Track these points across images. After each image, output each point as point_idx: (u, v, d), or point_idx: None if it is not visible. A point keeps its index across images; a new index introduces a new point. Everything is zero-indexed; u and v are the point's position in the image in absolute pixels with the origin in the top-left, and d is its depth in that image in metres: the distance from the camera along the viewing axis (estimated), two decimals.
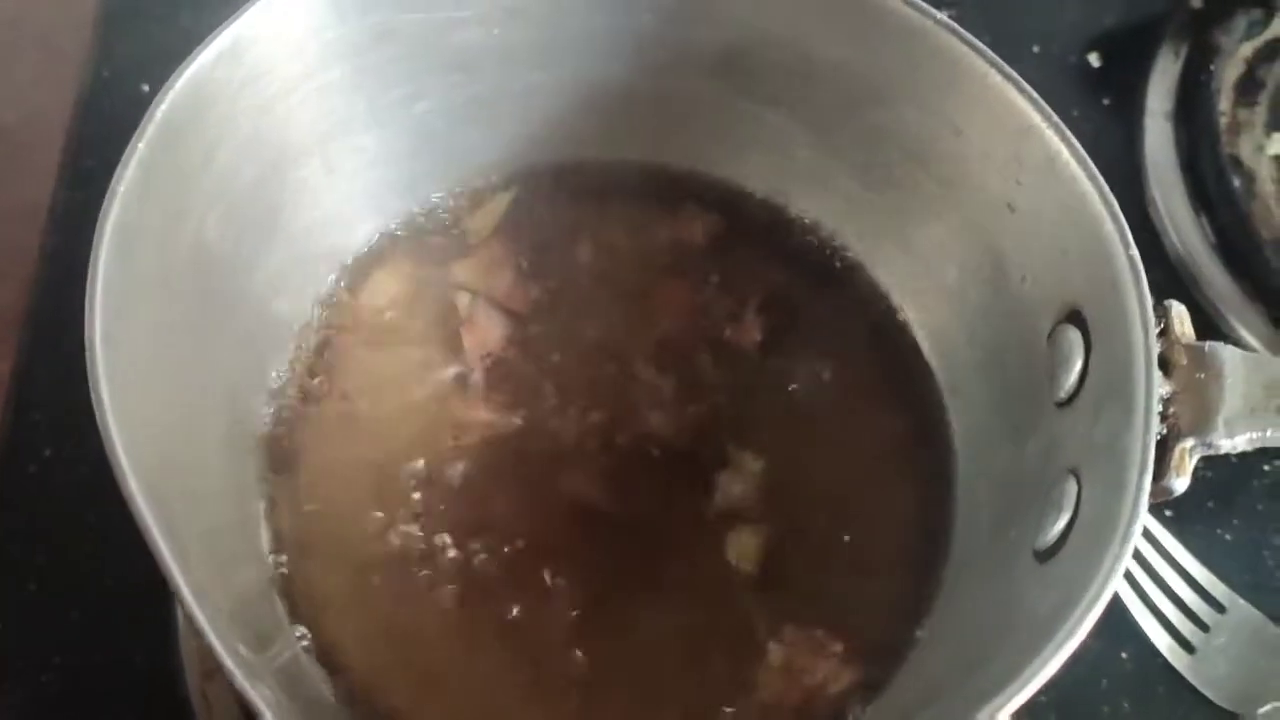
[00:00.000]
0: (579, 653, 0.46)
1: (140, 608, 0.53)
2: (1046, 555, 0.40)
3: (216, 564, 0.41)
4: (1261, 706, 0.53)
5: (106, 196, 0.38)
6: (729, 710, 0.45)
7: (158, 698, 0.52)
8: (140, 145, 0.39)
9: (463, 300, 0.51)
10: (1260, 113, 0.65)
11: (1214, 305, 0.61)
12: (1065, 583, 0.36)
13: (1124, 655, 0.55)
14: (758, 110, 0.50)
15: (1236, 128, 0.65)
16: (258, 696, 0.33)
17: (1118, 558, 0.35)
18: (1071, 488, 0.40)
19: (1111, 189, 0.41)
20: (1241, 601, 0.55)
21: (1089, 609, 0.34)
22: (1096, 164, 0.42)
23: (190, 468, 0.42)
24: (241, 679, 0.33)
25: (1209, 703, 0.54)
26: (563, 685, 0.45)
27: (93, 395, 0.36)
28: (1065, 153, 0.41)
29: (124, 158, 0.39)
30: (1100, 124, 0.66)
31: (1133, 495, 0.36)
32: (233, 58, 0.41)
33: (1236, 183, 0.63)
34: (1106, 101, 0.67)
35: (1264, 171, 0.64)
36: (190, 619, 0.33)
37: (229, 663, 0.33)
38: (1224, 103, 0.65)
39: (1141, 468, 0.36)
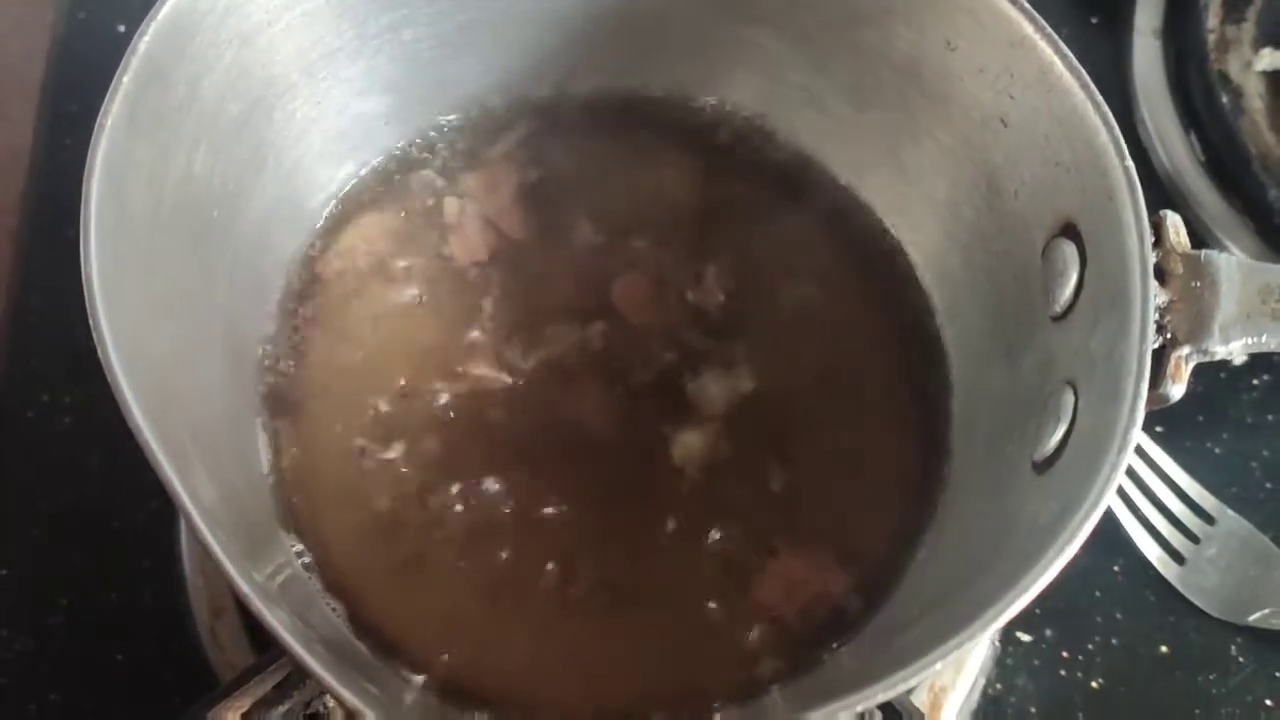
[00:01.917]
0: (579, 569, 0.46)
1: (146, 548, 0.54)
2: (1045, 466, 0.40)
3: (220, 491, 0.41)
4: (1251, 614, 0.54)
5: (95, 131, 0.38)
6: (725, 616, 0.45)
7: (167, 637, 0.52)
8: (125, 79, 0.38)
9: (453, 207, 0.51)
10: (1248, 28, 0.65)
11: (1203, 222, 0.61)
12: (1064, 491, 0.37)
13: (1116, 568, 0.56)
14: (747, 32, 0.50)
15: (1224, 44, 0.64)
16: (274, 619, 0.33)
17: (1115, 465, 0.35)
18: (1069, 399, 0.40)
19: None
20: (1230, 513, 0.56)
21: (1088, 514, 0.35)
22: None
23: (192, 399, 0.42)
24: (258, 602, 0.33)
25: (1200, 612, 0.55)
26: (565, 600, 0.46)
27: (94, 330, 0.36)
28: (1058, 64, 0.41)
29: (109, 92, 0.38)
30: (1088, 42, 0.65)
31: (1130, 403, 0.36)
32: None
33: (1225, 99, 0.62)
34: (1094, 20, 0.66)
35: (1252, 88, 0.64)
36: (205, 547, 0.33)
37: (244, 587, 0.33)
38: (1212, 19, 0.64)
39: (1138, 376, 0.36)
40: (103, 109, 0.38)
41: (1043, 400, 0.41)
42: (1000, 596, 0.34)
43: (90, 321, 0.36)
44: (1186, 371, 0.38)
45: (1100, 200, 0.40)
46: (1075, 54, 0.42)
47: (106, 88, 0.39)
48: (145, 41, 0.39)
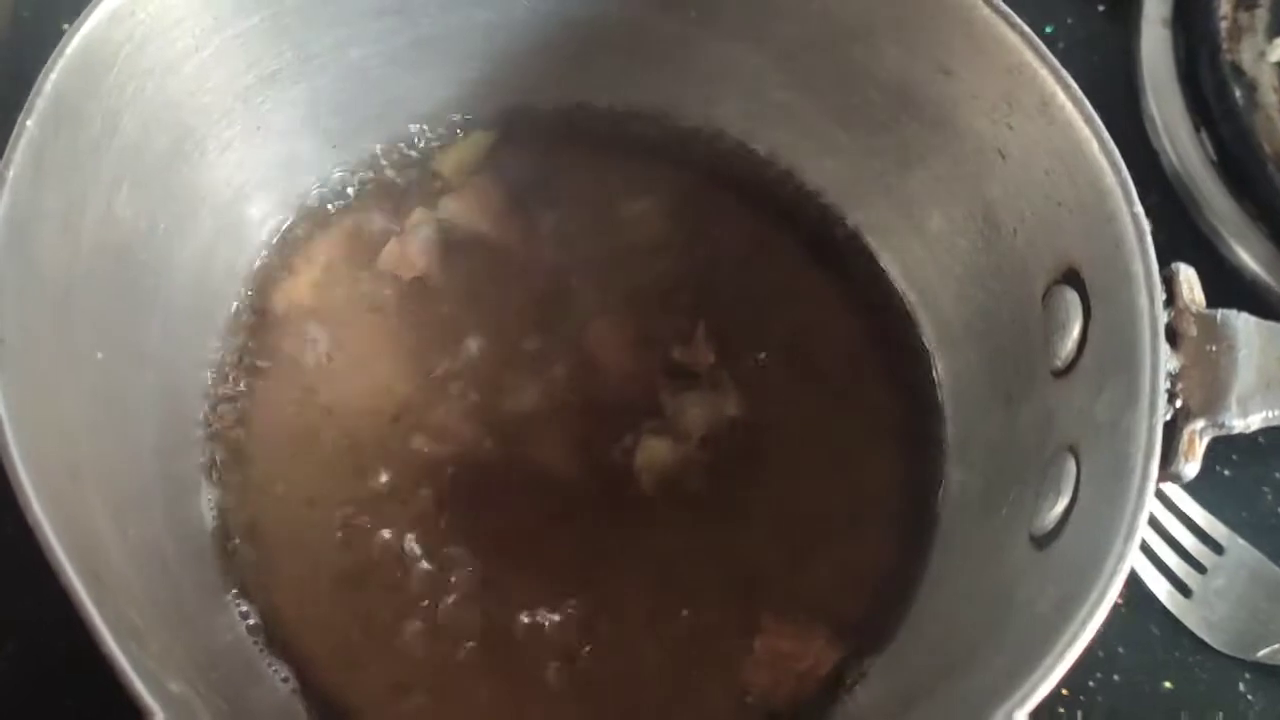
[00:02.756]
0: (551, 637, 0.43)
1: None
2: (1044, 541, 0.37)
3: (147, 560, 0.39)
4: (1260, 650, 0.52)
5: None
6: (715, 694, 0.43)
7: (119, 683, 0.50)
8: (29, 124, 0.35)
9: (408, 234, 0.48)
10: (1262, 15, 0.61)
11: (1213, 226, 0.58)
12: (1064, 577, 0.34)
13: (1119, 600, 0.52)
14: (724, 47, 0.46)
15: (1237, 33, 0.61)
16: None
17: (1121, 556, 0.32)
18: (1070, 468, 0.37)
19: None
20: (1241, 541, 0.53)
21: (1092, 611, 0.32)
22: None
23: (116, 463, 0.40)
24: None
25: (1207, 647, 0.52)
26: (535, 670, 0.43)
27: None
28: (1060, 94, 0.38)
29: (11, 139, 0.35)
30: (1095, 32, 0.61)
31: (1138, 483, 0.33)
32: (129, 14, 0.37)
33: (1238, 93, 0.58)
34: (1101, 8, 0.62)
35: (1266, 80, 0.60)
36: (110, 661, 0.31)
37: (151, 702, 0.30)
38: (1224, 4, 0.60)
39: (1147, 452, 0.33)
40: (4, 159, 0.34)
41: (1042, 463, 0.38)
42: (1005, 698, 0.31)
43: None
44: (1201, 448, 0.35)
45: (1106, 248, 0.36)
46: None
47: None
48: (51, 81, 0.36)
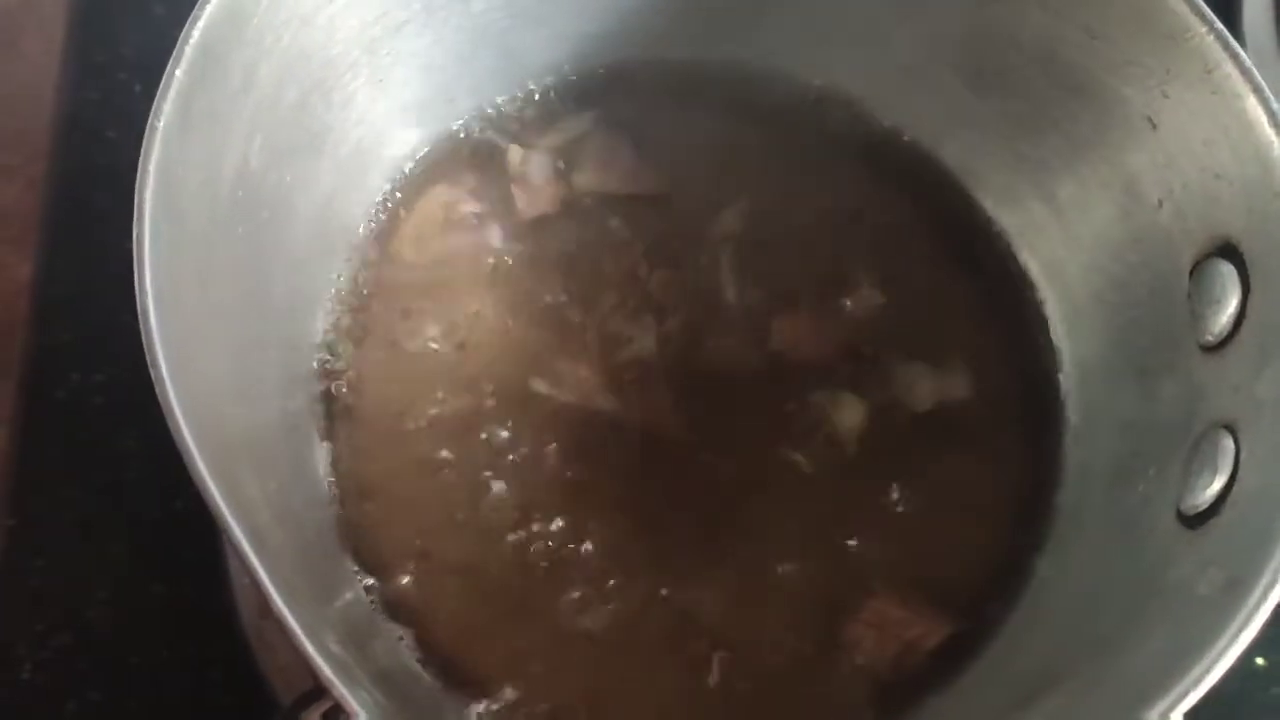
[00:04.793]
0: (663, 594, 0.43)
1: (188, 538, 0.50)
2: (1198, 520, 0.36)
3: (280, 517, 0.38)
4: None
5: (146, 134, 0.34)
6: (820, 660, 0.43)
7: (211, 634, 0.49)
8: (178, 73, 0.34)
9: (515, 156, 0.47)
10: None
11: None
12: (1228, 557, 0.33)
13: None
14: (851, 4, 0.45)
15: None
16: (344, 689, 0.30)
17: None
18: (1227, 445, 0.36)
19: None
20: None
21: (1267, 591, 0.31)
22: None
23: (250, 419, 0.39)
24: (332, 676, 0.30)
25: None
26: (646, 633, 0.43)
27: (151, 368, 0.32)
28: (1227, 64, 0.36)
29: (161, 89, 0.34)
30: None
31: None
32: None
33: None
34: None
35: None
36: (276, 613, 0.30)
37: (310, 649, 0.30)
38: None
39: None
40: (154, 108, 0.34)
41: (1191, 440, 0.38)
42: (1167, 681, 0.30)
43: (147, 356, 0.32)
44: None
45: (1270, 223, 0.35)
46: None
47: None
48: (199, 29, 0.35)
